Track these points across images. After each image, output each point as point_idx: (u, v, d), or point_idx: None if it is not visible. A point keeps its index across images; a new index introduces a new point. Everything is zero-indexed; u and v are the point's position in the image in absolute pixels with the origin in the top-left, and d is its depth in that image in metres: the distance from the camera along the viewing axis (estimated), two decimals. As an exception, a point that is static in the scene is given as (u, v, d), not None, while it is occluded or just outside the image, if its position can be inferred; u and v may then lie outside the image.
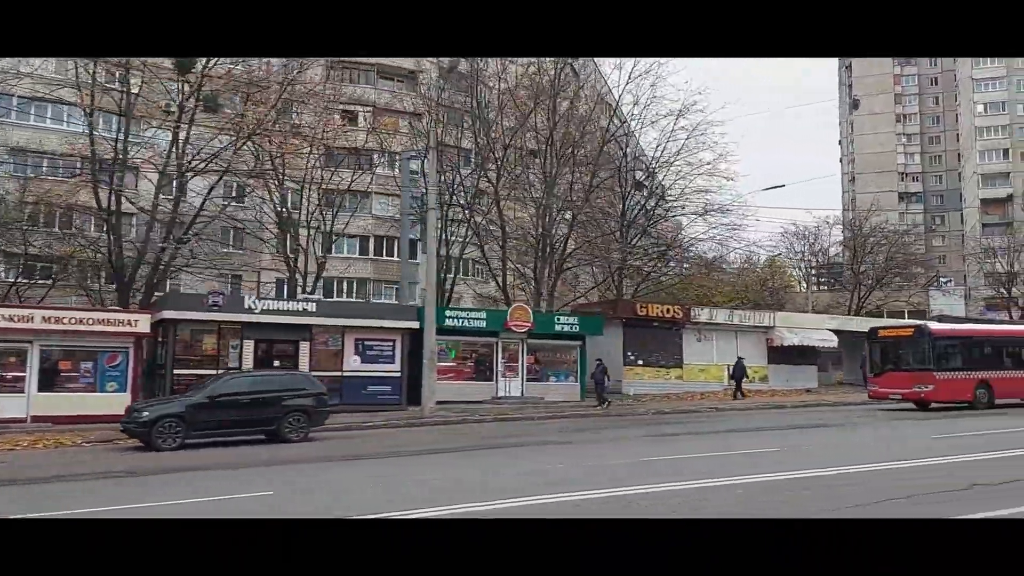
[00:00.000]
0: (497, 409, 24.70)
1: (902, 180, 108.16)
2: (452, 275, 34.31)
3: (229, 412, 16.89)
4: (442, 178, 29.09)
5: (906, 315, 55.60)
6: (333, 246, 35.12)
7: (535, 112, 32.97)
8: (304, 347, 24.11)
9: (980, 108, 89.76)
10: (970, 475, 9.84)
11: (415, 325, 24.99)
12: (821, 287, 59.99)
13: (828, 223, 56.21)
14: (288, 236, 31.95)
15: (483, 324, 27.34)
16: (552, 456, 14.27)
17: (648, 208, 38.59)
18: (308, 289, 31.84)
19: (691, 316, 32.82)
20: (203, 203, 27.18)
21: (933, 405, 24.04)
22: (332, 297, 38.26)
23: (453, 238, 34.18)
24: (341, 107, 35.12)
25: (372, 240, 42.00)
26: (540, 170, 33.58)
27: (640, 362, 31.76)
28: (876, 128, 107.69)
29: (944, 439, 15.41)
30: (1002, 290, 58.27)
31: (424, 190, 28.32)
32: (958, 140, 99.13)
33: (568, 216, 35.25)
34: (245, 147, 26.70)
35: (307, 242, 32.46)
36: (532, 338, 28.17)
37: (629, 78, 36.67)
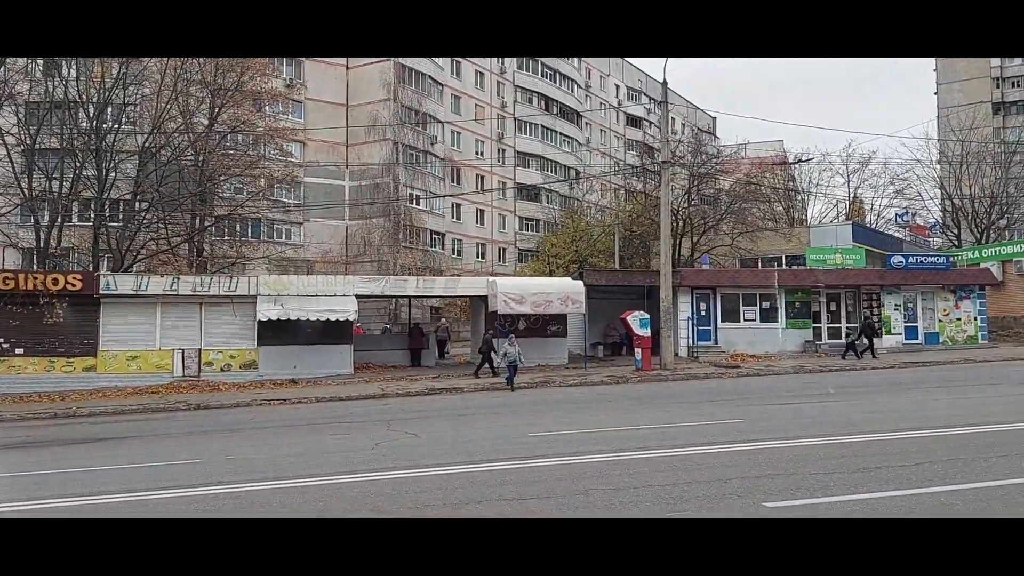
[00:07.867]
0: None
1: (997, 87, 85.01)
2: None
3: None
4: None
5: (783, 261, 41.79)
6: None
7: None
8: None
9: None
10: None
11: None
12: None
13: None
14: None
15: None
16: None
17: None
18: None
19: (99, 287, 24.44)
20: None
21: None
22: None
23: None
24: None
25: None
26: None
27: (20, 351, 24.15)
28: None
29: None
30: None
31: None
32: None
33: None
34: None
35: None
36: None
37: None
